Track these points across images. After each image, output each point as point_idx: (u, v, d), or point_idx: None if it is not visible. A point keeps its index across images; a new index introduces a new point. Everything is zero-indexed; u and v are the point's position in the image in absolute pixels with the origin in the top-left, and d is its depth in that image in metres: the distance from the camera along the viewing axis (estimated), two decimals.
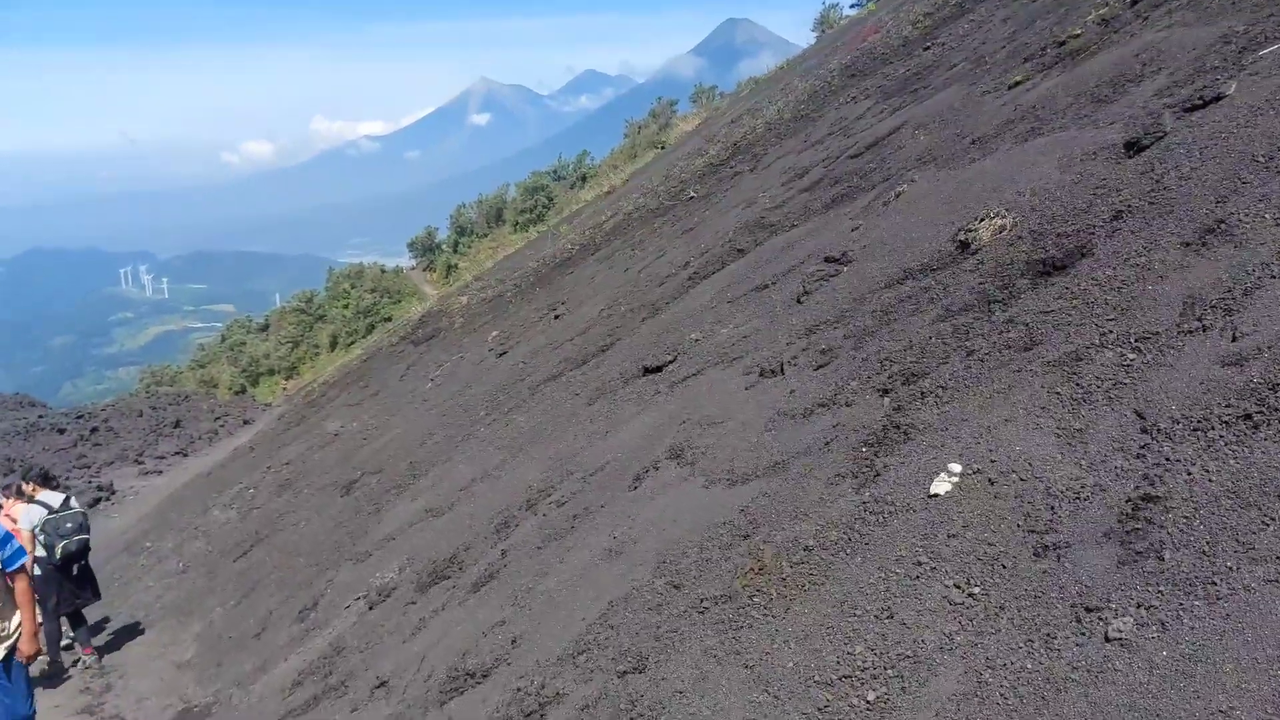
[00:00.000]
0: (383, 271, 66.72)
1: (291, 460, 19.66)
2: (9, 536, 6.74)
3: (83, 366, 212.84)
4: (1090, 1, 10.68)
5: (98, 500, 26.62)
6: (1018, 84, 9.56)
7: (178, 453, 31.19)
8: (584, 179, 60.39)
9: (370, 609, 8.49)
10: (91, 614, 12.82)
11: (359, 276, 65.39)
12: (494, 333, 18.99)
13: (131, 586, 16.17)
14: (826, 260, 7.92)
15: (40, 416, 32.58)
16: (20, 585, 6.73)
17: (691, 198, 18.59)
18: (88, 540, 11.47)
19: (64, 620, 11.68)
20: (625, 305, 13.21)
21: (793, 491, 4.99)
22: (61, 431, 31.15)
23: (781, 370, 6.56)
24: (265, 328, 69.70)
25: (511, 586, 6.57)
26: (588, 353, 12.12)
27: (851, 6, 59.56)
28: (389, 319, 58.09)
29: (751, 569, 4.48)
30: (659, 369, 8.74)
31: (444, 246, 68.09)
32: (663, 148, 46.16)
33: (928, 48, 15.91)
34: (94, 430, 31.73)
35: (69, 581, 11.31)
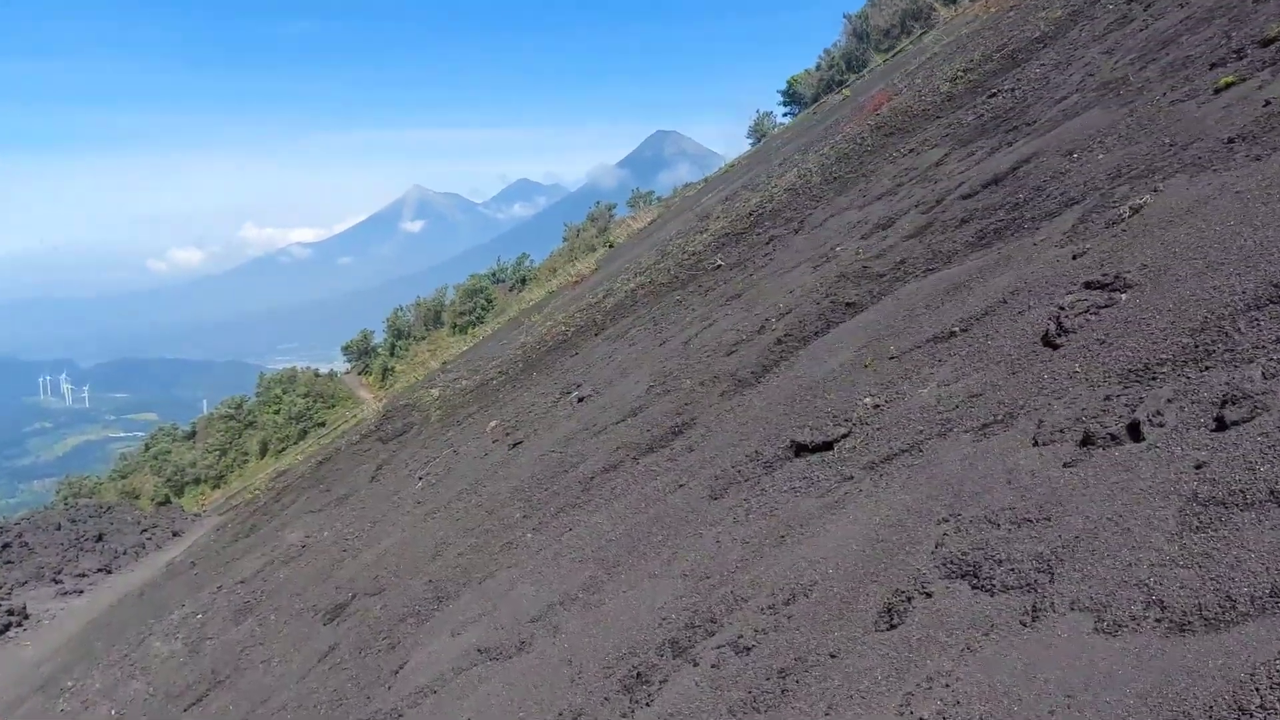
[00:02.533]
0: (316, 375, 63.79)
1: (248, 579, 16.53)
2: None
3: None
4: (1263, 12, 8.94)
5: (7, 626, 22.88)
6: (1230, 85, 7.62)
7: (101, 569, 27.48)
8: (524, 281, 59.52)
9: None
10: None
11: (291, 381, 62.36)
12: (492, 423, 16.38)
13: None
14: (1088, 287, 5.66)
15: None
16: None
17: (719, 266, 16.48)
18: None
19: None
20: (687, 379, 10.81)
21: None
22: None
23: (1135, 433, 4.19)
24: (191, 435, 65.74)
25: None
26: (654, 436, 9.65)
27: (784, 115, 60.08)
28: (323, 424, 55.14)
29: None
30: (825, 446, 6.31)
31: (380, 350, 65.53)
32: (610, 245, 44.77)
33: (993, 95, 14.24)
34: (5, 546, 27.89)
35: None
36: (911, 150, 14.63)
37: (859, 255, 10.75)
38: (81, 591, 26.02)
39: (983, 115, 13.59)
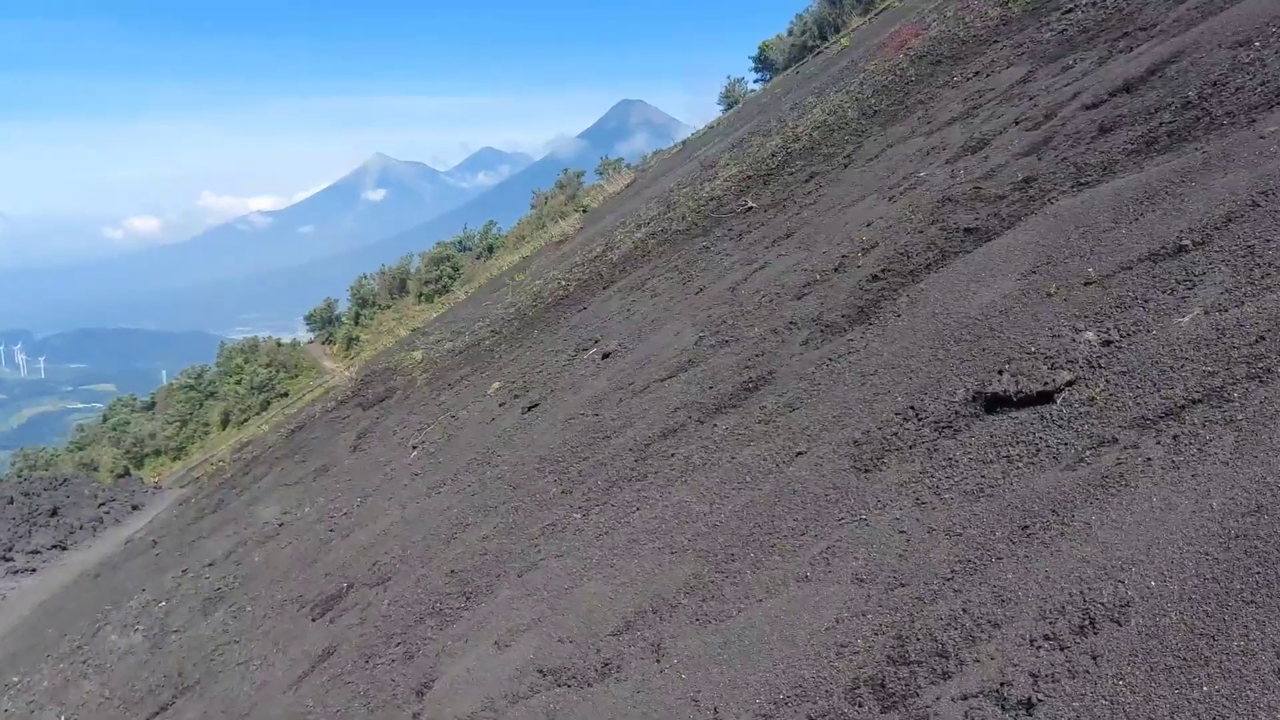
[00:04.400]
0: (279, 345, 61.66)
1: (217, 561, 14.62)
2: None
3: None
4: None
5: None
6: None
7: (55, 545, 25.40)
8: (491, 249, 57.75)
9: None
10: None
11: (253, 351, 60.20)
12: (495, 384, 14.54)
13: None
14: None
15: None
16: None
17: (749, 209, 14.68)
18: None
19: None
20: (751, 327, 9.03)
21: None
22: None
23: None
24: (151, 406, 63.34)
25: None
26: (722, 394, 7.87)
27: (755, 82, 58.50)
28: (285, 394, 53.25)
29: None
30: (1041, 398, 4.56)
31: (344, 319, 63.39)
32: (584, 211, 43.00)
33: (1069, 11, 12.51)
34: None
35: None
36: (977, 73, 12.87)
37: (958, 178, 8.99)
38: (34, 570, 23.99)
39: (1065, 31, 11.84)
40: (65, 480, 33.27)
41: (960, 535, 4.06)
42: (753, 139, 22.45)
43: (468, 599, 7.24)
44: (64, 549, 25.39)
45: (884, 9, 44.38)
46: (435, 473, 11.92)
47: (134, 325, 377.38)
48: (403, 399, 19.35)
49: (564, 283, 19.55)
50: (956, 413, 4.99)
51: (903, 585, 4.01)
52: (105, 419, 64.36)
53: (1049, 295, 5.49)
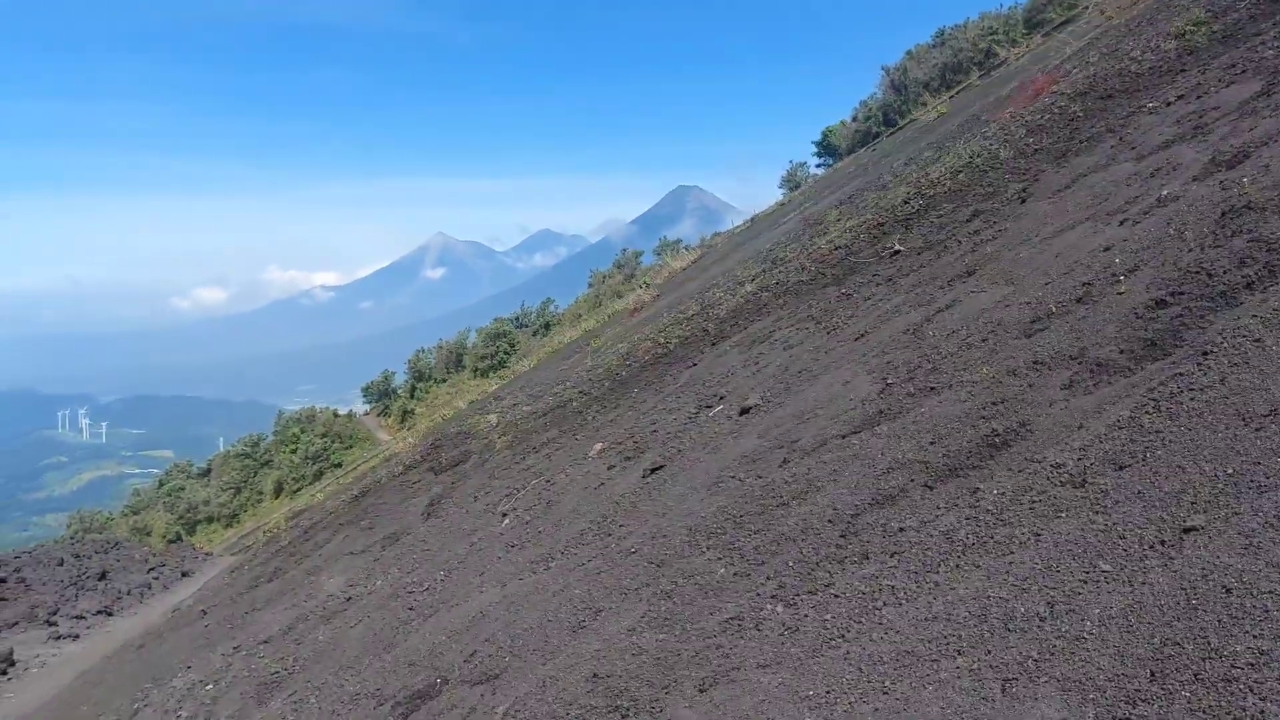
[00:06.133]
0: (335, 415, 61.27)
1: (273, 638, 12.78)
2: None
3: (8, 512, 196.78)
4: None
5: None
6: None
7: (100, 611, 23.81)
8: (548, 326, 57.19)
9: None
10: None
11: (310, 420, 59.89)
12: (598, 445, 12.70)
13: None
14: None
15: None
16: None
17: (897, 252, 12.87)
18: None
19: None
20: (964, 372, 7.13)
21: None
22: None
23: None
24: (206, 473, 63.00)
25: None
26: (954, 451, 5.96)
27: (817, 166, 57.96)
28: (339, 465, 52.43)
29: None
30: None
31: (400, 392, 63.00)
32: (646, 286, 41.82)
33: None
34: (0, 582, 24.26)
35: None
36: (1180, 98, 11.05)
37: (1232, 190, 7.09)
38: (77, 636, 22.38)
39: None
40: (116, 544, 31.93)
41: None
42: (863, 195, 20.76)
43: (625, 718, 5.27)
44: (110, 615, 23.80)
45: (961, 88, 43.22)
46: (537, 544, 10.03)
47: (193, 393, 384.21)
48: (480, 463, 17.57)
49: (661, 341, 17.79)
50: None
51: None
52: (161, 484, 64.12)
53: None
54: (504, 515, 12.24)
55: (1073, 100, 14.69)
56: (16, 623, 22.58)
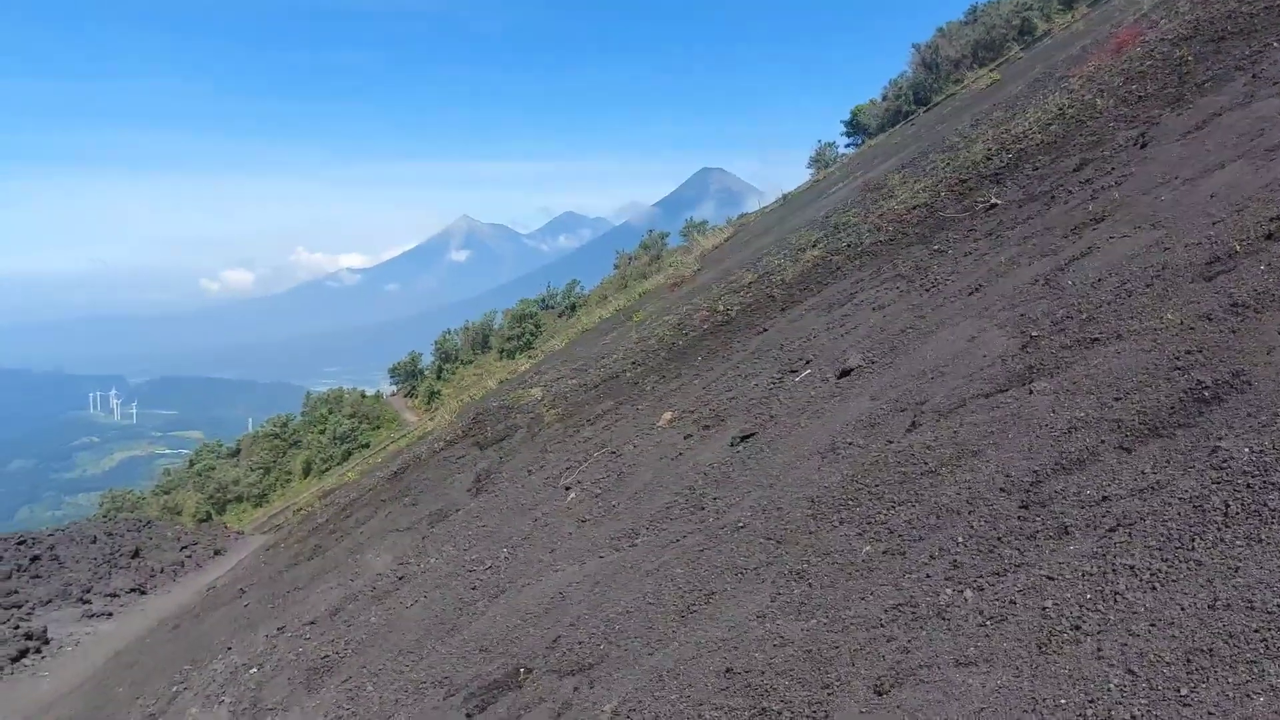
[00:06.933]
0: (363, 397, 61.11)
1: (319, 619, 11.95)
2: None
3: (41, 491, 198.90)
4: None
5: (22, 653, 18.71)
6: None
7: (134, 589, 23.24)
8: (574, 307, 56.99)
9: None
10: None
11: (338, 401, 59.75)
12: (666, 415, 11.75)
13: None
14: None
15: None
16: None
17: (993, 205, 11.82)
18: None
19: None
20: (1136, 320, 6.11)
21: None
22: None
23: None
24: (235, 453, 62.96)
25: None
26: (1150, 408, 4.96)
27: (846, 145, 56.74)
28: (367, 445, 52.16)
29: None
30: None
31: (426, 373, 62.70)
32: (675, 266, 40.73)
33: None
34: (34, 559, 23.74)
35: None
36: None
37: None
38: (110, 614, 21.84)
39: None
40: (149, 522, 31.40)
41: None
42: (927, 158, 19.60)
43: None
44: (143, 592, 23.22)
45: (1002, 62, 41.72)
46: (614, 519, 9.10)
47: (221, 374, 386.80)
48: (529, 437, 16.68)
49: (720, 310, 16.79)
50: None
51: None
52: (191, 464, 64.09)
53: None
54: (567, 489, 11.32)
55: (1175, 46, 13.50)
56: (50, 600, 22.06)
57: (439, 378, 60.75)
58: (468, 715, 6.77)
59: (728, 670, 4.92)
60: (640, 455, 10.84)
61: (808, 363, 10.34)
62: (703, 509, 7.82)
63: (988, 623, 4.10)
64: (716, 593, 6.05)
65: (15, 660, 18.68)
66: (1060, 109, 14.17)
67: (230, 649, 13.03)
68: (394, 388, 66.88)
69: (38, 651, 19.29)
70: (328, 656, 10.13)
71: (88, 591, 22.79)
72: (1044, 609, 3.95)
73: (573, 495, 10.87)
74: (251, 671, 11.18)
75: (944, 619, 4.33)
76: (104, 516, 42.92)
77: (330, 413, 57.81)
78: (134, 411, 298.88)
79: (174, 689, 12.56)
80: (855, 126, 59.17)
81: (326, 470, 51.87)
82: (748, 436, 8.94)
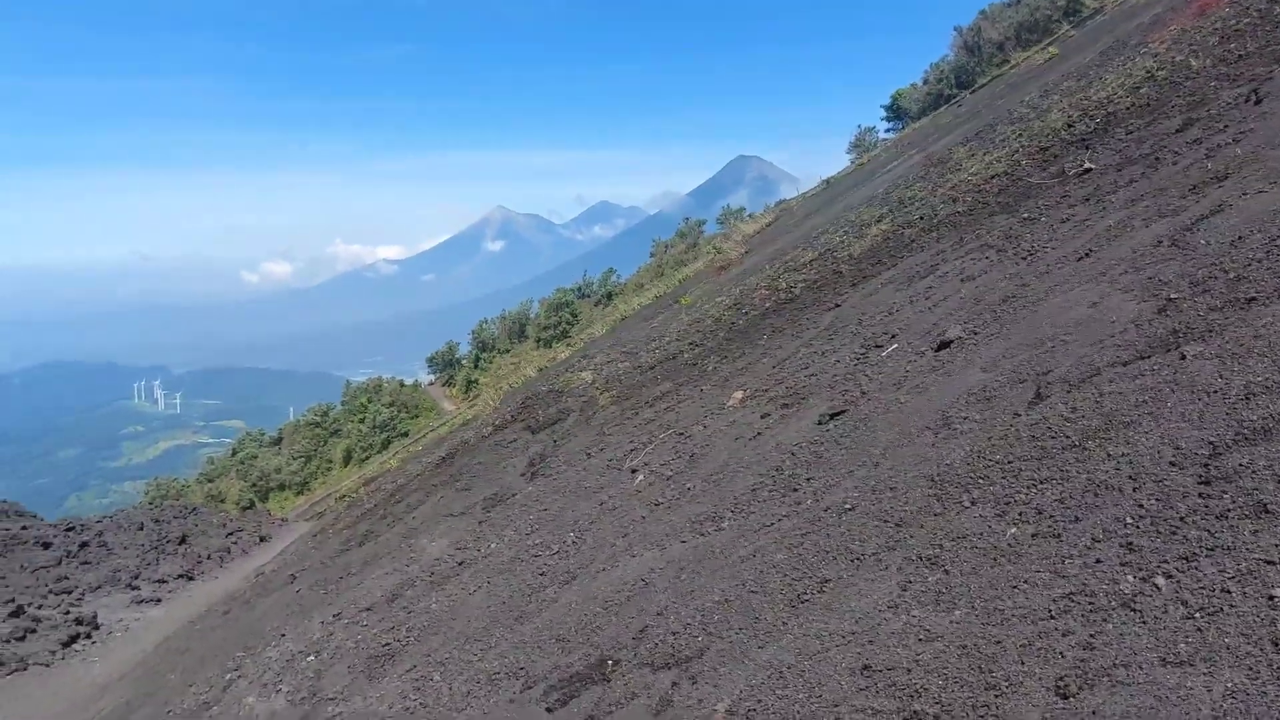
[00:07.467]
0: (401, 386, 61.41)
1: (376, 605, 11.52)
2: None
3: (88, 480, 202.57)
4: None
5: (74, 638, 18.59)
6: None
7: (182, 575, 23.12)
8: (610, 296, 56.77)
9: None
10: None
11: (378, 390, 60.13)
12: (737, 394, 11.16)
13: None
14: None
15: (24, 528, 24.38)
16: None
17: (1087, 169, 11.10)
18: None
19: None
20: None
21: None
22: (46, 546, 23.10)
23: None
24: (277, 442, 63.46)
25: None
26: None
27: (886, 131, 55.76)
28: (406, 434, 52.29)
29: None
30: None
31: (464, 362, 62.77)
32: (718, 250, 40.00)
33: None
34: (83, 546, 23.66)
35: None
36: None
37: None
38: (159, 600, 21.71)
39: None
40: (194, 509, 31.36)
41: None
42: (993, 130, 18.80)
43: None
44: (190, 578, 23.09)
45: (1055, 38, 40.57)
46: (693, 502, 8.54)
47: (262, 364, 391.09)
48: (584, 420, 16.17)
49: (782, 288, 16.16)
50: None
51: None
52: (234, 453, 64.70)
53: None
54: (634, 471, 10.78)
55: (1275, 2, 12.67)
56: (100, 586, 21.98)
57: (476, 367, 60.83)
58: (548, 709, 6.26)
59: (865, 667, 4.34)
60: (712, 436, 10.27)
61: (893, 337, 9.70)
62: (796, 490, 7.24)
63: (1196, 614, 3.49)
64: (831, 580, 5.47)
65: (66, 645, 18.57)
66: (1149, 72, 13.36)
67: (284, 636, 12.66)
68: (431, 377, 67.00)
69: (88, 637, 19.16)
70: (389, 644, 9.68)
71: (136, 578, 22.69)
72: (1272, 598, 3.32)
73: (640, 478, 10.33)
74: (309, 659, 10.78)
75: (1133, 610, 3.72)
76: (150, 504, 43.31)
77: (370, 401, 58.08)
78: (178, 401, 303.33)
79: (227, 676, 12.21)
80: (896, 111, 58.27)
81: (367, 458, 52.08)
82: (838, 414, 8.34)
